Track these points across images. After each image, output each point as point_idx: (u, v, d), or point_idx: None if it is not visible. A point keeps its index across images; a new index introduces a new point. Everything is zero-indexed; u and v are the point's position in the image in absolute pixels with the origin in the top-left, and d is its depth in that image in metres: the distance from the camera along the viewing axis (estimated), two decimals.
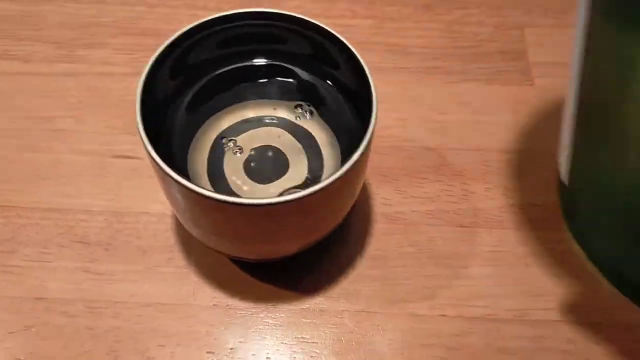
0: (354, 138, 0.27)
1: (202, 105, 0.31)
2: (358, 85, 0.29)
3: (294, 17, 0.29)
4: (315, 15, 0.40)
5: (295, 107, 0.32)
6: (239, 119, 0.32)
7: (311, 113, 0.31)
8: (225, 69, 0.31)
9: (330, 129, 0.31)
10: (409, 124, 0.37)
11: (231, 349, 0.30)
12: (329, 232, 0.30)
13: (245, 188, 0.30)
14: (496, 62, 0.40)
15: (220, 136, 0.31)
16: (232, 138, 0.31)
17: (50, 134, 0.36)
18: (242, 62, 0.31)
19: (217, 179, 0.30)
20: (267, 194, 0.30)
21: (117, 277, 0.31)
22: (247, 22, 0.30)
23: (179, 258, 0.32)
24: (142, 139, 0.26)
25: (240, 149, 0.30)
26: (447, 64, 0.40)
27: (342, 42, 0.29)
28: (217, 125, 0.31)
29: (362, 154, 0.26)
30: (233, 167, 0.30)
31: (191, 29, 0.29)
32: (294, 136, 0.31)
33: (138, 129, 0.26)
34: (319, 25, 0.29)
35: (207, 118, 0.31)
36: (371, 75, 0.28)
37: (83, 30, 0.40)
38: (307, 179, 0.30)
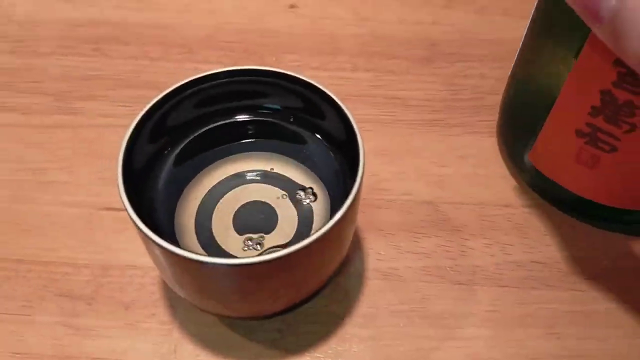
0: (344, 192, 0.26)
1: (187, 162, 0.31)
2: (346, 136, 0.28)
3: (275, 72, 0.29)
4: (314, 69, 0.40)
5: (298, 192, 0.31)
6: (226, 175, 0.31)
7: (314, 195, 0.31)
8: (209, 127, 0.31)
9: (321, 182, 0.31)
10: (407, 177, 0.36)
11: None
12: (316, 290, 0.29)
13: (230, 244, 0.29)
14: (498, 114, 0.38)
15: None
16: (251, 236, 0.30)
17: (41, 186, 0.35)
18: (225, 120, 0.31)
19: (204, 236, 0.29)
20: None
21: (97, 333, 0.30)
22: (227, 79, 0.29)
23: (162, 314, 0.31)
24: (123, 203, 0.25)
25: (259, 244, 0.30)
26: (447, 116, 0.39)
27: (324, 92, 0.28)
28: (204, 182, 0.31)
29: (349, 209, 0.25)
30: (222, 223, 0.30)
31: (170, 92, 0.29)
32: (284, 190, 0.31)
33: (120, 193, 0.25)
34: (300, 78, 0.29)
35: (192, 177, 0.31)
36: (357, 126, 0.27)
37: (83, 82, 0.40)
38: (296, 232, 0.29)
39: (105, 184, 0.35)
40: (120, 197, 0.25)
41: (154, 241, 0.24)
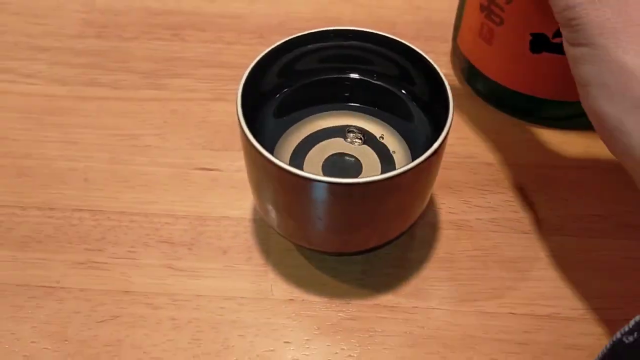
0: (425, 148, 0.29)
1: (290, 110, 0.34)
2: (435, 97, 0.31)
3: (384, 36, 0.32)
4: None
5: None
6: (320, 127, 0.34)
7: (361, 139, 0.34)
8: (319, 78, 0.34)
9: (404, 141, 0.34)
10: (469, 142, 0.39)
11: (307, 339, 0.31)
12: (401, 231, 0.32)
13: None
14: None
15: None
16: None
17: (136, 149, 0.39)
18: (333, 75, 0.34)
19: None
20: None
21: (199, 274, 0.33)
22: (346, 42, 0.33)
23: (257, 257, 0.34)
24: (241, 125, 0.28)
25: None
26: None
27: (422, 56, 0.31)
28: (301, 130, 0.34)
29: (439, 147, 0.28)
30: (312, 169, 0.33)
31: (294, 38, 0.32)
32: (370, 146, 0.34)
33: (239, 118, 0.28)
34: (403, 43, 0.32)
35: (294, 123, 0.34)
36: (449, 87, 0.30)
37: (167, 62, 0.44)
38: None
39: (195, 148, 0.39)
40: (239, 120, 0.28)
41: (267, 159, 0.26)
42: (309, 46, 0.33)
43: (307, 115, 0.34)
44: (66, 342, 0.31)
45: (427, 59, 0.31)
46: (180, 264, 0.34)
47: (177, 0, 0.48)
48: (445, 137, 0.28)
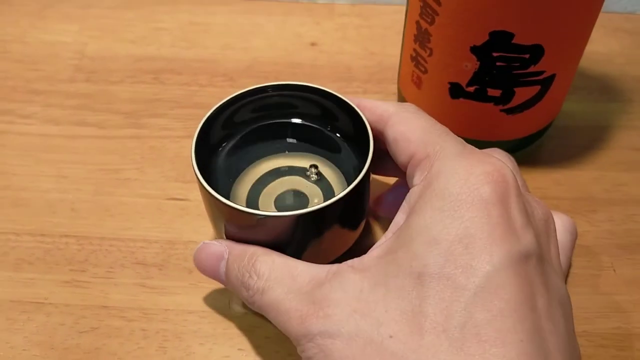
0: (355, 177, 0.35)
1: (237, 158, 0.39)
2: (359, 133, 0.37)
3: (308, 86, 0.38)
4: None
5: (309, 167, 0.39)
6: (271, 168, 0.40)
7: (317, 175, 0.39)
8: (255, 126, 0.40)
9: (341, 174, 0.39)
10: None
11: (258, 347, 0.36)
12: (345, 249, 0.37)
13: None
14: None
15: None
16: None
17: (118, 182, 0.44)
18: (273, 120, 0.40)
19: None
20: None
21: (167, 291, 0.39)
22: (275, 93, 0.38)
23: None
24: (195, 174, 0.33)
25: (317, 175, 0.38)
26: None
27: (343, 100, 0.37)
28: (254, 171, 0.39)
29: (363, 178, 0.33)
30: (266, 204, 0.38)
31: (232, 98, 0.38)
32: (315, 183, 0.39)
33: (193, 165, 0.34)
34: (325, 91, 0.37)
35: (246, 166, 0.39)
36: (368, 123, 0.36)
37: (147, 104, 0.49)
38: None
39: (168, 181, 0.44)
40: (195, 172, 0.33)
41: (224, 203, 0.32)
42: (249, 98, 0.38)
43: (255, 159, 0.40)
44: (53, 350, 0.36)
45: (349, 103, 0.36)
46: (152, 282, 0.39)
47: (158, 47, 0.54)
48: (367, 171, 0.33)
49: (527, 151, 0.45)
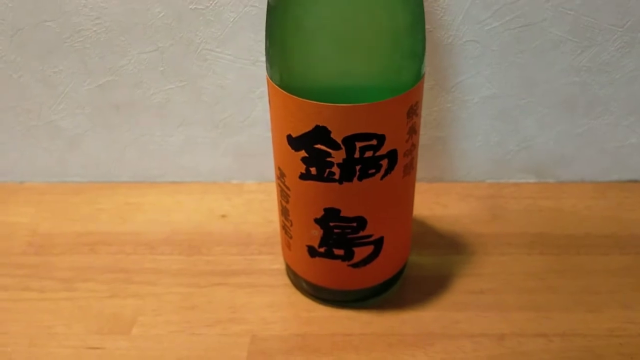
0: None
1: None
2: None
3: None
4: (232, 255, 0.61)
5: None
6: None
7: None
8: None
9: None
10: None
11: None
12: None
13: None
14: None
15: None
16: None
17: (50, 336, 0.54)
18: None
19: None
20: None
21: None
22: None
23: None
24: None
25: None
26: None
27: None
28: None
29: None
30: None
31: None
32: None
33: None
34: None
35: None
36: None
37: (80, 271, 0.61)
38: None
39: (90, 333, 0.55)
40: None
41: None
42: None
43: None
44: None
45: None
46: None
47: (97, 224, 0.67)
48: None
49: (382, 297, 0.56)
